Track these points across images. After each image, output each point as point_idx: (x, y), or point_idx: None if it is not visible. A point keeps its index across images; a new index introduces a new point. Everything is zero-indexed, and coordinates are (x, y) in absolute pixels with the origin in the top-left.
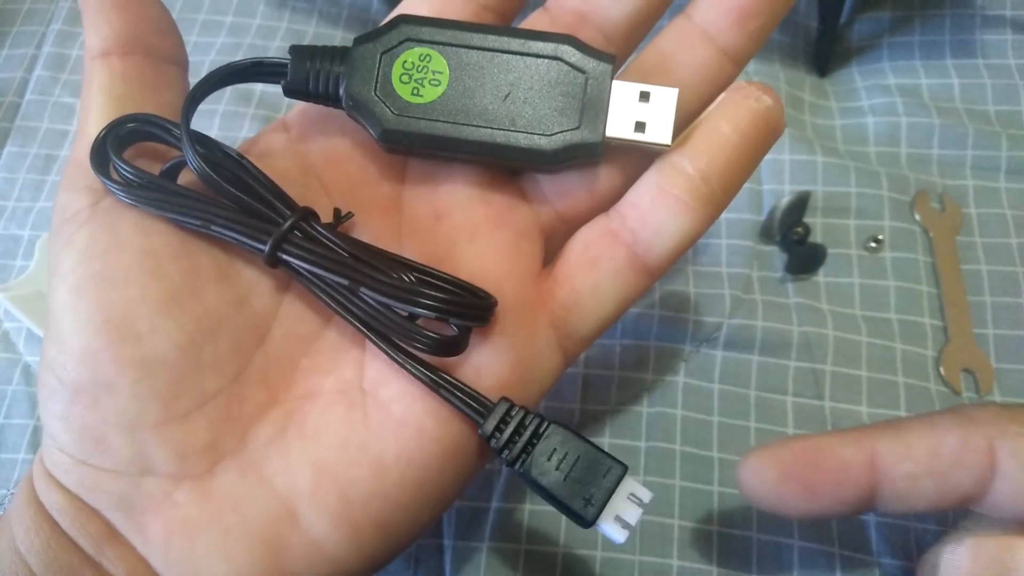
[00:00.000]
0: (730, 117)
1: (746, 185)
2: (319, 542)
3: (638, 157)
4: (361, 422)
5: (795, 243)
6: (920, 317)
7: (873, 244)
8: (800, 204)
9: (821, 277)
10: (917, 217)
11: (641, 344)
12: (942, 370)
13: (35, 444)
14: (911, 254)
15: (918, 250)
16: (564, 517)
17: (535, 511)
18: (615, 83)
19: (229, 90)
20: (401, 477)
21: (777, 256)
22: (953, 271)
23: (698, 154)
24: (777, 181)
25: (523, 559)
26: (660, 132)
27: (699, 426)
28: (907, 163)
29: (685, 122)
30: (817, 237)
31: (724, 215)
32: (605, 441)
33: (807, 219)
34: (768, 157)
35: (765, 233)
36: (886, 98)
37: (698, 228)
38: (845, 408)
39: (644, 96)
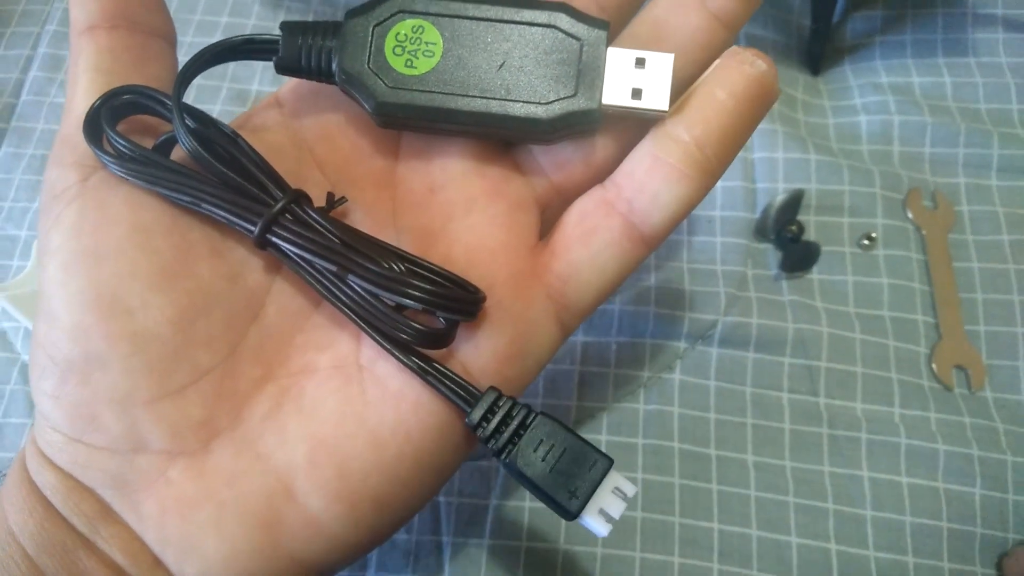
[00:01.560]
0: (725, 83)
1: (740, 183)
2: (316, 517)
3: (633, 126)
4: (358, 396)
5: (789, 241)
6: (913, 314)
7: (866, 242)
8: (794, 202)
9: (815, 275)
10: (910, 215)
11: (637, 341)
12: (934, 366)
13: None
14: (904, 252)
15: (911, 248)
16: None
17: (535, 508)
18: (610, 50)
19: (225, 90)
20: (399, 451)
21: (771, 254)
22: (945, 268)
23: (693, 121)
24: (771, 179)
25: (524, 556)
26: (657, 98)
27: (696, 423)
28: (899, 161)
29: (680, 88)
30: (811, 235)
31: (719, 213)
32: (602, 438)
33: (801, 217)
34: (762, 155)
35: (759, 231)
36: (879, 96)
37: (694, 196)
38: (840, 404)
39: (640, 62)
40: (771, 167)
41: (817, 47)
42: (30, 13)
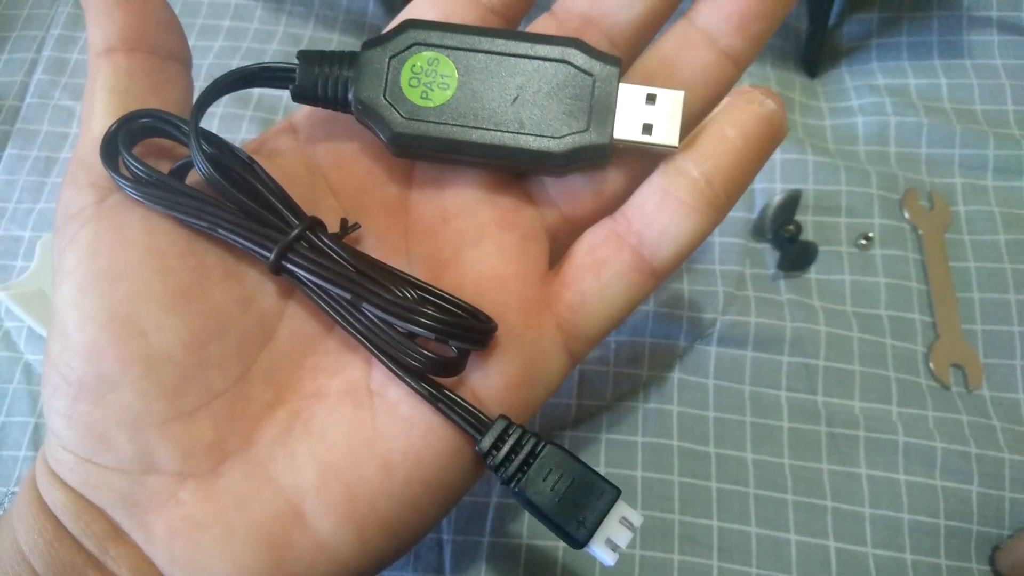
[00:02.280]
0: (734, 121)
1: None
2: (325, 541)
3: (642, 160)
4: (368, 421)
5: (787, 241)
6: (910, 313)
7: (863, 241)
8: (791, 202)
9: (812, 274)
10: (906, 215)
11: (636, 341)
12: (932, 365)
13: (36, 442)
14: (901, 251)
15: (907, 247)
16: None
17: None
18: (622, 86)
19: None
20: (408, 476)
21: (769, 254)
22: (942, 268)
23: (703, 157)
24: (769, 180)
25: (524, 554)
26: (667, 134)
27: (695, 421)
28: (896, 162)
29: (690, 124)
30: (808, 235)
31: None
32: (602, 436)
33: (798, 217)
34: None
35: (757, 231)
36: (875, 98)
37: (703, 231)
38: (838, 403)
39: (651, 98)
40: (769, 168)
41: (814, 50)
42: (34, 17)
